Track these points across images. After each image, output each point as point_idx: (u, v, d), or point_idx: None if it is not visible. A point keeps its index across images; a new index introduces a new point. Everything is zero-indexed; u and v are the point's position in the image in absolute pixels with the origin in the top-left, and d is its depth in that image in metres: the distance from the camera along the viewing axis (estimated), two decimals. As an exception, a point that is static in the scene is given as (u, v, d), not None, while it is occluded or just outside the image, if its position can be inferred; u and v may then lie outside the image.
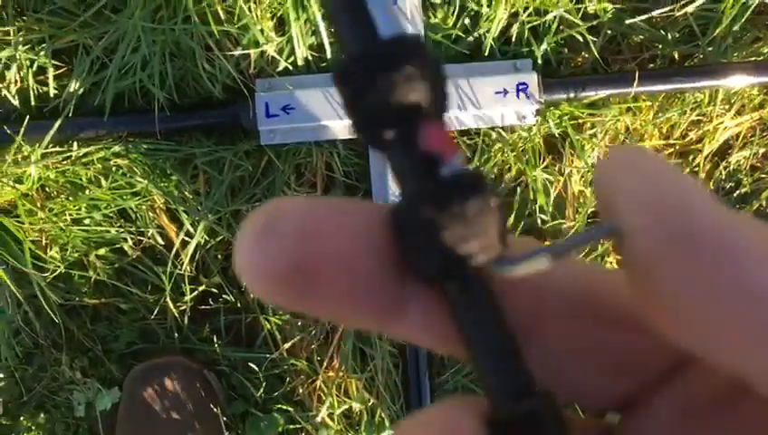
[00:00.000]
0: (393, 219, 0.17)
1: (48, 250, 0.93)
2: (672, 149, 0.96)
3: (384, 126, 0.17)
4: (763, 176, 0.98)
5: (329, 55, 0.89)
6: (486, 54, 0.89)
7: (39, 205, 0.91)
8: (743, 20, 0.91)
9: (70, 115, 0.88)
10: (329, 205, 0.17)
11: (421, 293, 0.17)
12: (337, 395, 0.95)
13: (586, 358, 0.18)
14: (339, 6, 0.17)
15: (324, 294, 0.16)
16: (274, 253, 0.16)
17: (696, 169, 0.96)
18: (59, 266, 0.92)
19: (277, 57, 0.88)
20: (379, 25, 0.17)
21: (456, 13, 0.89)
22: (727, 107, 0.94)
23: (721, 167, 0.97)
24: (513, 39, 0.90)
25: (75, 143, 0.89)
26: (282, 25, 0.89)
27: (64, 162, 0.90)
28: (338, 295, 0.16)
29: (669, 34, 0.92)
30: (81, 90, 0.89)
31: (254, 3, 0.86)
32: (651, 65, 0.94)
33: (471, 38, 0.90)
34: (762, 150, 0.97)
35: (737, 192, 0.98)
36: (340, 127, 0.89)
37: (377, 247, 0.17)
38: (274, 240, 0.16)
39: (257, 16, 0.85)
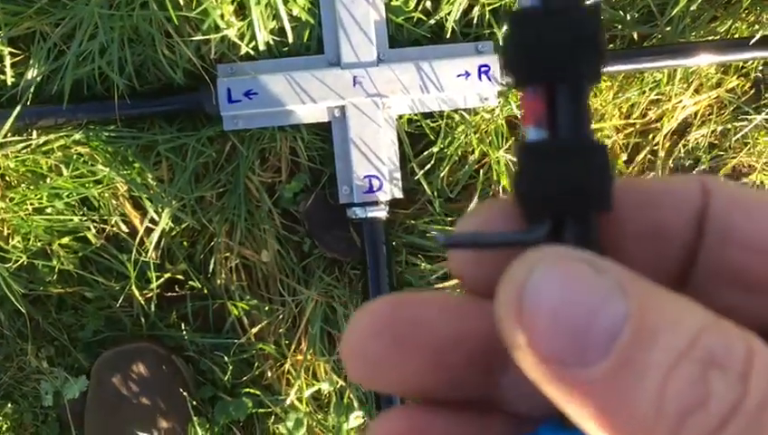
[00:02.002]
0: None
1: (10, 240, 0.92)
2: (632, 128, 0.97)
3: None
4: (721, 153, 1.00)
5: (290, 40, 0.88)
6: (448, 37, 0.90)
7: (-1, 194, 0.90)
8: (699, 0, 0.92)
9: (28, 103, 0.87)
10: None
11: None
12: (305, 378, 0.96)
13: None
14: None
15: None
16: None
17: (656, 147, 0.98)
18: (21, 256, 0.92)
19: (238, 42, 0.87)
20: None
21: (417, -5, 0.89)
22: (685, 86, 0.95)
23: (680, 145, 0.99)
24: (475, 21, 0.90)
25: (34, 132, 0.88)
26: (242, 10, 0.88)
27: (24, 151, 0.89)
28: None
29: (628, 15, 0.93)
30: (40, 77, 0.87)
31: (214, -12, 0.85)
32: (611, 45, 0.95)
33: (432, 21, 0.90)
34: (719, 128, 0.99)
35: (696, 169, 0.99)
36: (303, 111, 0.89)
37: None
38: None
39: (217, 1, 0.84)
